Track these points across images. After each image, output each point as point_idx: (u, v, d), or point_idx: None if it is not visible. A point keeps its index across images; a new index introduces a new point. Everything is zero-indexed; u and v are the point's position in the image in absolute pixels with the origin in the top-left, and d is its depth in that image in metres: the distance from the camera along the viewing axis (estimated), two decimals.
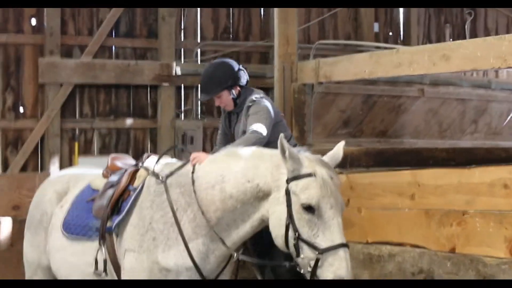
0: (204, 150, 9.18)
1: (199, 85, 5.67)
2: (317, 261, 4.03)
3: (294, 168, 4.17)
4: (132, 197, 5.00)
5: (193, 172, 4.76)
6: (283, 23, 6.99)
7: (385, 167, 7.06)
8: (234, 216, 4.50)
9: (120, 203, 5.10)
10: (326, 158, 4.34)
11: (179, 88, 9.55)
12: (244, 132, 5.41)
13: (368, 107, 10.58)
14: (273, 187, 4.30)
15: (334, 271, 3.99)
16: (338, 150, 4.42)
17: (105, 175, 5.58)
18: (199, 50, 9.80)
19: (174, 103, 9.39)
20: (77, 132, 8.97)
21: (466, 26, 11.74)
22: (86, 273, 5.32)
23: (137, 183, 5.12)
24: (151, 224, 4.80)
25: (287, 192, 4.18)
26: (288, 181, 4.19)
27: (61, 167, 8.72)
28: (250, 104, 5.46)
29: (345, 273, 3.98)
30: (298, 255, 4.12)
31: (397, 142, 10.13)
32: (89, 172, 5.96)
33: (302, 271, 4.17)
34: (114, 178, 5.41)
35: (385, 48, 9.27)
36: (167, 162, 5.15)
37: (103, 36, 9.04)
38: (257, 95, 5.52)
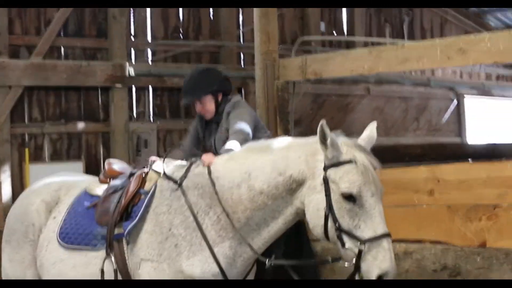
0: (158, 153, 8.84)
1: (182, 88, 5.49)
2: (359, 253, 3.81)
3: (334, 155, 3.91)
4: (145, 202, 4.66)
5: (209, 173, 4.48)
6: (264, 19, 6.76)
7: None
8: (265, 214, 4.24)
9: (130, 208, 4.74)
10: (360, 141, 4.09)
11: (130, 90, 9.15)
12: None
13: (318, 106, 10.57)
14: (309, 176, 4.04)
15: (379, 265, 3.78)
16: (372, 131, 4.17)
17: (102, 181, 5.21)
18: (149, 50, 9.44)
19: (127, 105, 8.98)
20: (26, 137, 8.42)
21: (404, 26, 11.91)
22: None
23: (148, 186, 4.78)
24: (171, 231, 4.47)
25: (325, 181, 3.93)
26: (326, 168, 3.94)
27: (12, 175, 8.18)
28: (230, 109, 5.34)
29: (389, 266, 3.78)
30: (342, 245, 3.90)
31: None
32: (77, 179, 5.56)
33: (346, 265, 3.95)
34: (117, 182, 5.05)
35: (378, 43, 9.23)
36: (175, 164, 4.85)
37: (52, 35, 8.54)
38: (236, 99, 5.44)
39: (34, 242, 5.29)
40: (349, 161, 3.90)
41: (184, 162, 4.86)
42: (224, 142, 5.15)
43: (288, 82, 6.79)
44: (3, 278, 5.60)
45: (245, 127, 5.09)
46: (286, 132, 6.77)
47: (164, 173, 4.68)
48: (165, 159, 4.81)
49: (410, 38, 11.80)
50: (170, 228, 4.46)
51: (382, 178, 5.56)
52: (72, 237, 5.02)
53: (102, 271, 4.81)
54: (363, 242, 3.81)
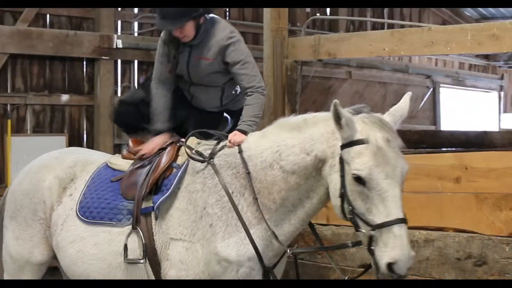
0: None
1: (159, 12, 4.70)
2: (370, 238, 3.67)
3: (348, 134, 3.73)
4: (178, 175, 4.43)
5: (240, 152, 4.30)
6: None
7: None
8: (299, 194, 4.09)
9: (160, 181, 4.51)
10: (388, 115, 3.92)
11: (115, 63, 8.83)
12: (214, 74, 4.91)
13: (302, 88, 10.43)
14: (329, 154, 3.90)
15: (389, 253, 3.61)
16: (405, 103, 4.00)
17: (125, 156, 4.97)
18: (136, 23, 9.14)
19: (113, 78, 8.67)
20: (9, 108, 8.05)
21: (384, 11, 11.87)
22: (113, 264, 4.69)
23: (180, 161, 4.55)
24: (205, 209, 4.26)
25: (341, 160, 3.79)
26: (342, 147, 3.78)
27: None
28: (227, 43, 4.78)
29: (400, 254, 3.59)
30: (356, 229, 3.76)
31: None
32: (91, 155, 5.33)
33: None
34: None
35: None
36: (203, 142, 4.65)
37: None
38: (228, 29, 4.84)
39: (45, 221, 5.04)
40: (361, 141, 3.70)
41: (211, 141, 4.65)
42: (209, 73, 4.90)
43: (297, 62, 6.62)
44: (4, 255, 5.31)
45: (259, 81, 4.78)
46: (294, 113, 6.60)
47: (197, 150, 4.48)
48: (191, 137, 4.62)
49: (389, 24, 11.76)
50: (204, 207, 4.26)
51: None
52: (94, 211, 4.78)
53: (126, 247, 4.58)
54: (374, 227, 3.66)
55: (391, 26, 10.07)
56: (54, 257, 5.20)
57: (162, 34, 5.02)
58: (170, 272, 4.41)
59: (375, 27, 11.39)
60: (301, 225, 4.24)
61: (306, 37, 6.35)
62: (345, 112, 3.73)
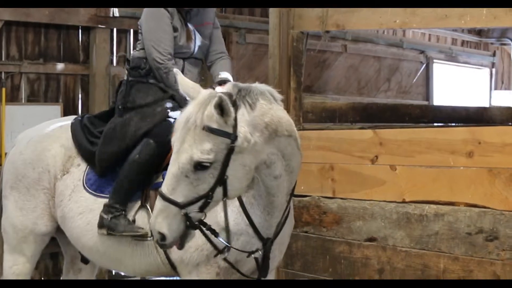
0: None
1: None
2: None
3: None
4: None
5: None
6: None
7: (369, 122, 6.88)
8: None
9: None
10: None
11: (111, 32, 8.66)
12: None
13: None
14: None
15: None
16: None
17: None
18: None
19: (109, 47, 8.51)
20: (3, 76, 7.87)
21: None
22: (122, 240, 4.63)
23: None
24: None
25: None
26: None
27: None
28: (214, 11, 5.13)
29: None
30: None
31: (321, 98, 9.99)
32: None
33: None
34: None
35: None
36: None
37: None
38: None
39: (49, 191, 4.95)
40: None
41: None
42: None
43: (303, 33, 6.52)
44: (6, 226, 5.22)
45: None
46: (299, 85, 6.53)
47: None
48: None
49: None
50: None
51: (415, 137, 5.47)
52: (102, 185, 4.71)
53: (133, 222, 4.54)
54: None
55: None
56: (58, 228, 5.12)
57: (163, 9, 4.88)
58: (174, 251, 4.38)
59: None
60: None
61: (313, 8, 6.24)
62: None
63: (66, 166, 4.93)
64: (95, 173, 4.72)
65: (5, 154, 7.43)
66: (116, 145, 4.65)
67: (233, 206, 4.26)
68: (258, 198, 4.17)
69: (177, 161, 3.67)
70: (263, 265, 4.27)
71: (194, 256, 4.32)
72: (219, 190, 3.71)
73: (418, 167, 5.46)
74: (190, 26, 4.91)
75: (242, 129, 3.70)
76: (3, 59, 7.89)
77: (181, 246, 3.81)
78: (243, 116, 3.73)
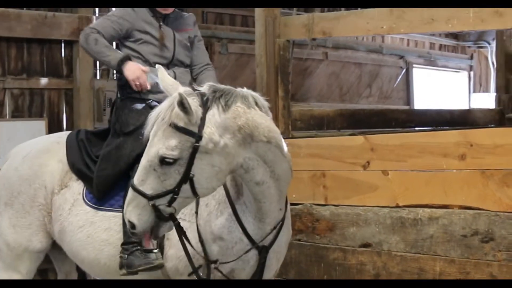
0: None
1: None
2: None
3: None
4: None
5: None
6: None
7: (356, 128, 6.93)
8: None
9: None
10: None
11: None
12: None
13: None
14: None
15: None
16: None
17: None
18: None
19: (92, 61, 8.46)
20: None
21: None
22: None
23: None
24: None
25: None
26: None
27: None
28: (194, 17, 5.14)
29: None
30: None
31: (305, 106, 10.04)
32: None
33: None
34: None
35: None
36: None
37: None
38: None
39: (44, 206, 4.92)
40: None
41: None
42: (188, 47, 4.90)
43: (289, 41, 6.54)
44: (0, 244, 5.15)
45: None
46: (287, 93, 6.55)
47: None
48: None
49: None
50: None
51: (406, 142, 5.51)
52: (103, 199, 4.69)
53: (148, 251, 4.53)
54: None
55: None
56: (53, 244, 5.08)
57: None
58: (170, 252, 4.39)
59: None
60: None
61: (299, 16, 6.29)
62: None
63: (64, 181, 4.90)
64: (93, 196, 4.70)
65: None
66: (111, 168, 4.65)
67: (227, 214, 4.26)
68: (248, 204, 4.18)
69: (147, 154, 3.74)
70: (259, 273, 4.27)
71: (188, 266, 4.31)
72: (186, 187, 3.76)
73: (411, 171, 5.49)
74: (167, 28, 4.90)
75: (208, 130, 3.74)
76: None
77: (154, 236, 3.90)
78: (213, 117, 3.77)
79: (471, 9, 5.25)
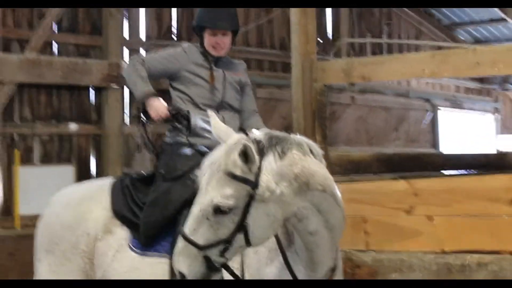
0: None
1: (208, 15, 4.57)
2: None
3: None
4: None
5: None
6: (303, 18, 6.41)
7: (394, 172, 6.79)
8: None
9: None
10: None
11: (122, 91, 8.59)
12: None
13: None
14: None
15: None
16: None
17: None
18: (142, 50, 8.95)
19: (121, 107, 8.43)
20: (16, 138, 7.75)
21: (383, 35, 11.84)
22: None
23: None
24: None
25: None
26: None
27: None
28: (244, 64, 4.91)
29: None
30: None
31: (333, 150, 9.95)
32: None
33: None
34: None
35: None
36: None
37: (46, 30, 7.91)
38: None
39: (86, 253, 4.79)
40: None
41: None
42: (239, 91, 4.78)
43: (326, 86, 6.46)
44: None
45: None
46: (324, 138, 6.44)
47: None
48: None
49: (389, 47, 11.77)
50: None
51: (451, 186, 5.37)
52: (149, 244, 4.58)
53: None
54: None
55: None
56: None
57: (186, 45, 4.82)
58: None
59: (374, 51, 11.36)
60: None
61: (337, 61, 6.24)
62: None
63: (109, 226, 4.80)
64: (138, 241, 4.59)
65: (18, 216, 7.35)
66: (159, 213, 4.53)
67: (278, 262, 4.13)
68: (299, 252, 4.05)
69: (199, 203, 3.60)
70: None
71: None
72: (240, 237, 3.59)
73: (457, 216, 5.34)
74: (218, 70, 4.83)
75: (265, 178, 3.59)
76: (16, 121, 7.77)
77: None
78: (270, 165, 3.62)
79: None
